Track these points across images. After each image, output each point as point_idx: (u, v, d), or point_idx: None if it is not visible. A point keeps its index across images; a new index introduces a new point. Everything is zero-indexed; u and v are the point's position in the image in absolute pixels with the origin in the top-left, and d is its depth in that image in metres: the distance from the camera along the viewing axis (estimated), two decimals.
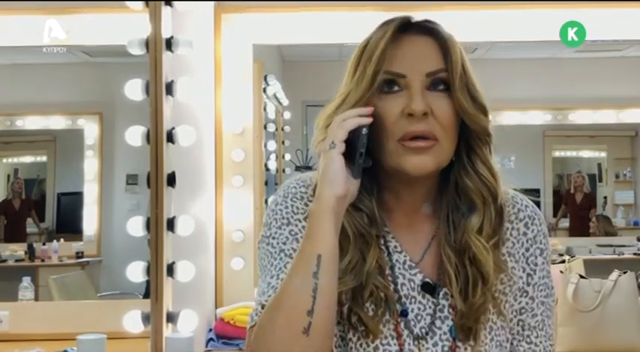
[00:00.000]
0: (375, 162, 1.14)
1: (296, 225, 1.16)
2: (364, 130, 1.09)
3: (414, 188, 1.17)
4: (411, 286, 1.15)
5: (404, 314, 1.14)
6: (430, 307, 1.15)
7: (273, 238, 1.17)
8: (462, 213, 1.15)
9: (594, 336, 2.57)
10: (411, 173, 1.11)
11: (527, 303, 1.19)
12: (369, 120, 1.10)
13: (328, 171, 1.07)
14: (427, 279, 1.16)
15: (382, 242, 1.17)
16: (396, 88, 1.12)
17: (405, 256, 1.17)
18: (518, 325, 1.19)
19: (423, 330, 1.14)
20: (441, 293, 1.15)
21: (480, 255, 1.12)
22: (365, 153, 1.09)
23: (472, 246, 1.13)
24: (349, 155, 1.09)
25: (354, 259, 1.12)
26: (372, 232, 1.14)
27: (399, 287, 1.15)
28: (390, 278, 1.15)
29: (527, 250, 1.20)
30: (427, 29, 1.16)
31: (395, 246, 1.17)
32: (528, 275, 1.19)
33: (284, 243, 1.15)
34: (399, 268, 1.16)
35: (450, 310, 1.14)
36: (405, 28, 1.16)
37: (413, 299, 1.15)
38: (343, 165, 1.07)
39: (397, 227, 1.19)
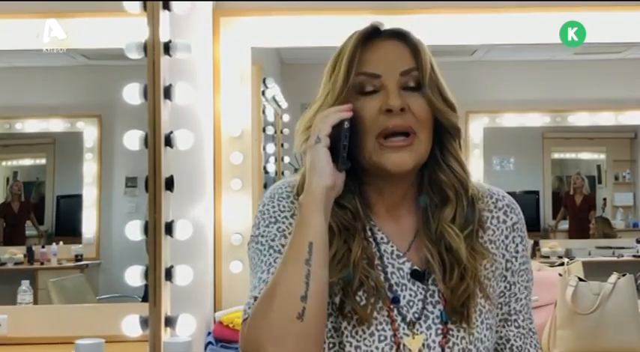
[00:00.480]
0: (354, 161, 1.19)
1: (283, 223, 1.21)
2: (346, 124, 1.14)
3: (395, 184, 1.23)
4: (401, 274, 1.20)
5: (395, 300, 1.18)
6: (421, 293, 1.20)
7: (262, 236, 1.21)
8: (435, 204, 1.22)
9: (593, 339, 2.57)
10: (392, 171, 1.17)
11: (506, 288, 1.26)
12: (350, 114, 1.15)
13: (316, 163, 1.12)
14: (416, 267, 1.21)
15: (369, 234, 1.22)
16: (372, 89, 1.19)
17: (392, 246, 1.22)
18: (501, 308, 1.25)
19: (416, 315, 1.18)
20: (430, 280, 1.20)
21: (452, 242, 1.18)
22: (348, 146, 1.14)
23: (445, 235, 1.19)
24: (333, 150, 1.14)
25: (340, 251, 1.17)
26: (357, 226, 1.19)
27: (389, 275, 1.20)
28: (379, 267, 1.20)
29: (506, 237, 1.26)
30: (396, 34, 1.23)
31: (382, 238, 1.22)
32: (508, 261, 1.26)
33: (272, 240, 1.20)
34: (388, 258, 1.21)
35: (440, 295, 1.19)
36: (375, 34, 1.23)
37: (404, 287, 1.20)
38: (329, 158, 1.13)
39: (382, 221, 1.24)
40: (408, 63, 1.20)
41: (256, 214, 1.26)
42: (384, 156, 1.17)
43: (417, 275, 1.20)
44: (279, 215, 1.22)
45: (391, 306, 1.18)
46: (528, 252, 1.30)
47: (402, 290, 1.19)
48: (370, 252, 1.20)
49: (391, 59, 1.20)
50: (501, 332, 1.26)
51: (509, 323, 1.26)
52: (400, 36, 1.23)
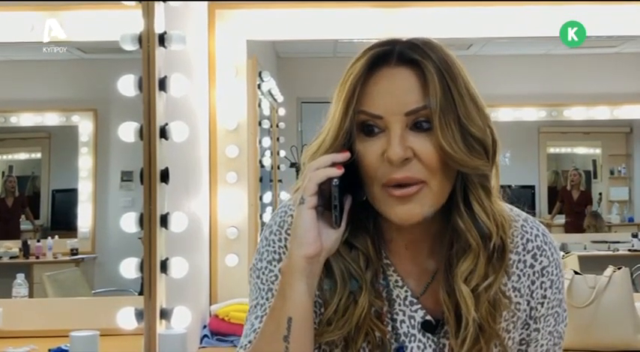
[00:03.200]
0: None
1: None
2: (335, 182, 1.03)
3: (419, 223, 1.08)
4: (411, 323, 1.11)
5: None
6: (430, 346, 1.11)
7: (263, 273, 1.13)
8: (455, 251, 1.08)
9: (589, 332, 2.57)
10: (397, 223, 1.05)
11: (528, 335, 1.14)
12: (339, 173, 1.03)
13: (297, 228, 1.03)
14: (428, 317, 1.11)
15: (381, 276, 1.11)
16: (375, 130, 1.04)
17: (407, 291, 1.12)
18: None
19: None
20: (443, 332, 1.10)
21: (462, 304, 1.05)
22: (339, 206, 1.04)
23: (457, 293, 1.06)
24: (327, 204, 1.04)
25: (344, 304, 1.06)
26: (367, 274, 1.08)
27: (397, 324, 1.11)
28: (388, 315, 1.10)
29: (532, 283, 1.13)
30: (407, 59, 1.04)
31: (396, 281, 1.12)
32: (532, 308, 1.13)
33: (272, 283, 1.12)
34: (400, 304, 1.11)
35: (451, 350, 1.09)
36: (384, 57, 1.05)
37: (412, 338, 1.11)
38: (314, 222, 1.02)
39: (399, 259, 1.13)
40: (416, 100, 1.02)
41: (262, 238, 1.16)
42: (389, 206, 1.04)
43: (429, 327, 1.11)
44: (283, 253, 1.13)
45: None
46: (563, 293, 1.16)
47: (410, 342, 1.10)
48: (379, 297, 1.10)
49: (396, 95, 1.03)
50: None
51: None
52: (411, 61, 1.04)
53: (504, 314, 1.10)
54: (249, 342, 1.08)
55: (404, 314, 1.11)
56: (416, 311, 1.11)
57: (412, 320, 1.11)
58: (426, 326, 1.11)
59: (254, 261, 1.16)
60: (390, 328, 1.10)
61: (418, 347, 1.10)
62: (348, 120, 1.04)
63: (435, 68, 1.03)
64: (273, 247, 1.14)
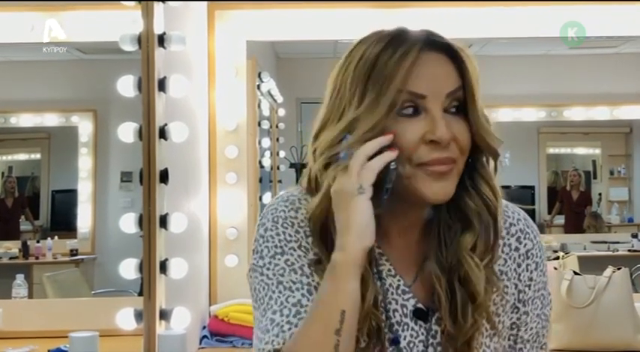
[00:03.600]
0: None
1: (291, 255, 1.11)
2: (392, 165, 1.02)
3: (416, 209, 1.11)
4: (404, 312, 1.12)
5: (395, 341, 1.10)
6: (422, 334, 1.11)
7: (268, 269, 1.11)
8: (454, 231, 1.10)
9: (588, 332, 2.58)
10: (431, 200, 1.05)
11: (518, 319, 1.17)
12: (394, 155, 1.02)
13: (357, 220, 1.00)
14: (419, 305, 1.12)
15: (375, 266, 1.11)
16: (412, 110, 1.04)
17: (399, 280, 1.12)
18: (509, 339, 1.16)
19: None
20: (434, 319, 1.11)
21: (471, 274, 1.07)
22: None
23: (464, 264, 1.07)
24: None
25: None
26: (367, 264, 1.06)
27: (390, 313, 1.11)
28: (382, 304, 1.10)
29: (518, 266, 1.16)
30: (440, 45, 1.07)
31: (389, 270, 1.13)
32: (520, 291, 1.16)
33: (281, 275, 1.10)
34: (392, 293, 1.12)
35: (442, 336, 1.10)
36: (424, 42, 1.07)
37: (405, 326, 1.11)
38: (372, 212, 1.01)
39: (392, 248, 1.14)
40: (455, 82, 1.06)
41: (257, 238, 1.14)
42: (425, 183, 1.04)
43: (421, 314, 1.12)
44: (285, 245, 1.11)
45: (390, 348, 1.10)
46: (546, 276, 1.19)
47: (403, 330, 1.11)
48: (375, 287, 1.09)
49: (437, 77, 1.05)
50: None
51: None
52: (444, 47, 1.07)
53: (494, 297, 1.11)
54: (276, 336, 1.05)
55: (396, 303, 1.12)
56: (407, 299, 1.12)
57: (404, 309, 1.12)
58: (418, 314, 1.12)
59: (253, 261, 1.14)
60: (383, 317, 1.10)
61: (411, 335, 1.11)
62: (390, 101, 1.03)
63: (468, 56, 1.07)
64: (273, 242, 1.12)
